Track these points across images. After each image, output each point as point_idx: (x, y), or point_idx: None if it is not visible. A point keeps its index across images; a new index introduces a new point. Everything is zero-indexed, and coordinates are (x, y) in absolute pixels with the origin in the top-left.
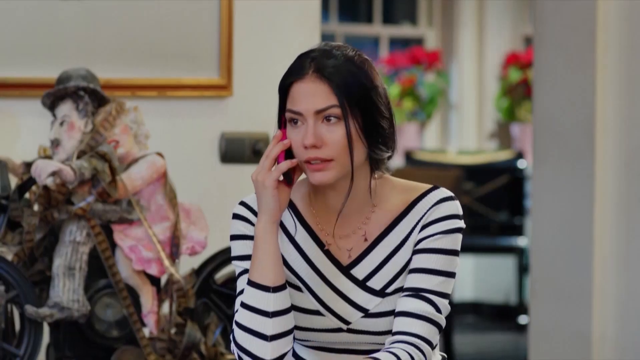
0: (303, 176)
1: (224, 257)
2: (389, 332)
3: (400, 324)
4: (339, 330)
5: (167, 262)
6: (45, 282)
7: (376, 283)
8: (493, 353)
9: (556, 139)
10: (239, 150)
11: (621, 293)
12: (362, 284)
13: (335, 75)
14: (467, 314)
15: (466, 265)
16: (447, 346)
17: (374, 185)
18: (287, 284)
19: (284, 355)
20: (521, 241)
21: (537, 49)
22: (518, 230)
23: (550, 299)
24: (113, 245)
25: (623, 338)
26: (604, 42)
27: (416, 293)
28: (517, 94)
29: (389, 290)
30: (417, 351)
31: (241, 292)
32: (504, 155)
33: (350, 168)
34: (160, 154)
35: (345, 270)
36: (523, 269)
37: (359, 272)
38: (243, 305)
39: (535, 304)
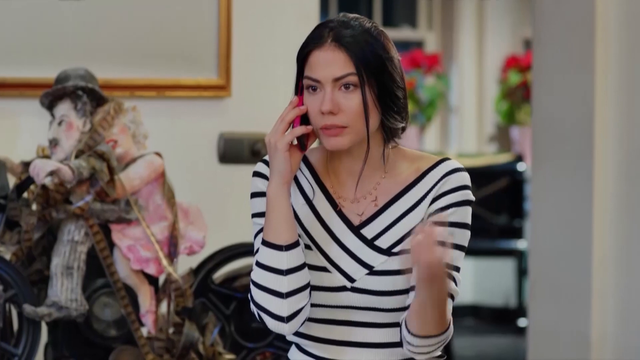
0: (317, 142)
1: (222, 256)
2: (390, 293)
3: None
4: (343, 289)
5: (165, 262)
6: (44, 282)
7: (384, 242)
8: (492, 356)
9: (555, 141)
10: (237, 151)
11: (620, 294)
12: (370, 243)
13: (353, 45)
14: (466, 316)
15: (466, 268)
16: (447, 349)
17: (387, 154)
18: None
19: (301, 310)
20: (521, 244)
21: (536, 51)
22: (518, 233)
23: (550, 301)
24: (111, 245)
25: (622, 339)
26: (603, 43)
27: None
28: (516, 97)
29: (395, 249)
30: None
31: (257, 251)
32: (503, 158)
33: (364, 134)
34: (158, 154)
35: (356, 230)
36: (523, 272)
37: (369, 231)
38: (258, 264)
39: (535, 305)
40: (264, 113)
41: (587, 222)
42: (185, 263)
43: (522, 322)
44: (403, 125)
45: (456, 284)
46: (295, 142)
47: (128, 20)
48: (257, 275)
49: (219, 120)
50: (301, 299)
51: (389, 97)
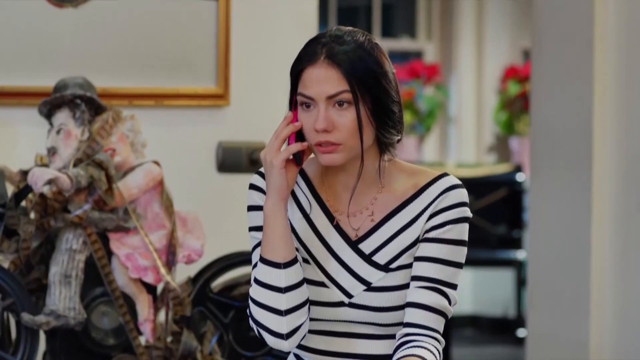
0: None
1: (220, 265)
2: (388, 309)
3: (418, 316)
4: (341, 304)
5: (163, 270)
6: (42, 290)
7: (381, 258)
8: None
9: (553, 151)
10: (235, 160)
11: (619, 303)
12: (367, 258)
13: (346, 61)
14: (465, 327)
15: (465, 279)
16: (446, 359)
17: (383, 167)
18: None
19: (300, 326)
20: (520, 254)
21: (534, 61)
22: (517, 244)
23: (548, 310)
24: (109, 254)
25: (620, 348)
26: (601, 54)
27: (431, 285)
28: (515, 108)
29: (393, 266)
30: (439, 345)
31: (255, 265)
32: (502, 169)
33: (358, 150)
34: (156, 162)
35: (354, 245)
36: (522, 282)
37: (366, 246)
38: (256, 281)
39: (533, 315)
40: (263, 122)
41: (586, 231)
42: (184, 272)
43: (521, 332)
44: (399, 138)
45: (450, 303)
46: (291, 157)
47: (127, 29)
48: (256, 292)
49: (218, 129)
50: (300, 316)
51: (384, 112)
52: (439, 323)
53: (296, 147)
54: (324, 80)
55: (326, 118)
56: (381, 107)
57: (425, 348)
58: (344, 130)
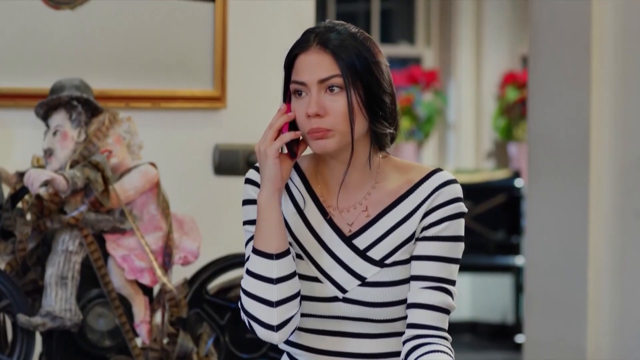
0: (308, 150)
1: (216, 267)
2: (382, 305)
3: (427, 317)
4: (335, 299)
5: (159, 272)
6: (38, 292)
7: (376, 253)
8: None
9: (551, 156)
10: (232, 162)
11: (616, 308)
12: (362, 254)
13: (338, 47)
14: (464, 332)
15: (463, 284)
16: None
17: (377, 163)
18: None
19: (290, 319)
20: (518, 260)
21: (532, 67)
22: (515, 249)
23: (546, 315)
24: (105, 255)
25: (618, 352)
26: (598, 60)
27: (435, 285)
28: (514, 114)
29: (388, 261)
30: (449, 344)
31: (248, 258)
32: (501, 175)
33: (350, 138)
34: (153, 164)
35: (348, 240)
36: (520, 288)
37: (361, 242)
38: (248, 272)
39: (531, 320)
40: (260, 124)
41: (583, 237)
42: (180, 273)
43: (519, 338)
44: (391, 131)
45: (452, 298)
46: (285, 150)
47: (124, 31)
48: (247, 283)
49: (214, 131)
50: (291, 308)
51: (375, 101)
52: (445, 321)
53: (289, 135)
54: (316, 65)
55: (318, 102)
56: (372, 95)
57: (444, 352)
58: (335, 116)
